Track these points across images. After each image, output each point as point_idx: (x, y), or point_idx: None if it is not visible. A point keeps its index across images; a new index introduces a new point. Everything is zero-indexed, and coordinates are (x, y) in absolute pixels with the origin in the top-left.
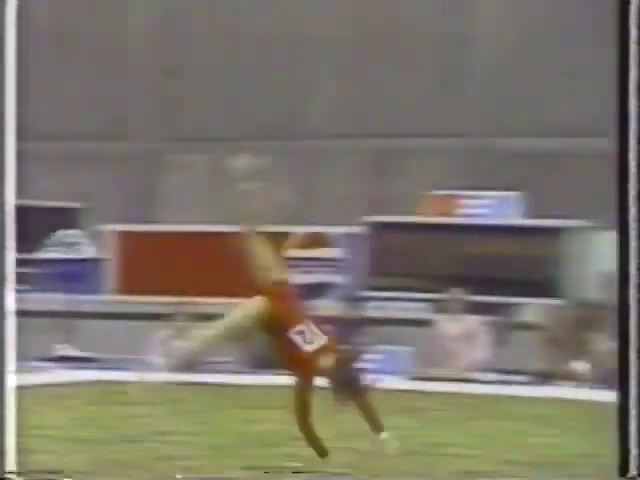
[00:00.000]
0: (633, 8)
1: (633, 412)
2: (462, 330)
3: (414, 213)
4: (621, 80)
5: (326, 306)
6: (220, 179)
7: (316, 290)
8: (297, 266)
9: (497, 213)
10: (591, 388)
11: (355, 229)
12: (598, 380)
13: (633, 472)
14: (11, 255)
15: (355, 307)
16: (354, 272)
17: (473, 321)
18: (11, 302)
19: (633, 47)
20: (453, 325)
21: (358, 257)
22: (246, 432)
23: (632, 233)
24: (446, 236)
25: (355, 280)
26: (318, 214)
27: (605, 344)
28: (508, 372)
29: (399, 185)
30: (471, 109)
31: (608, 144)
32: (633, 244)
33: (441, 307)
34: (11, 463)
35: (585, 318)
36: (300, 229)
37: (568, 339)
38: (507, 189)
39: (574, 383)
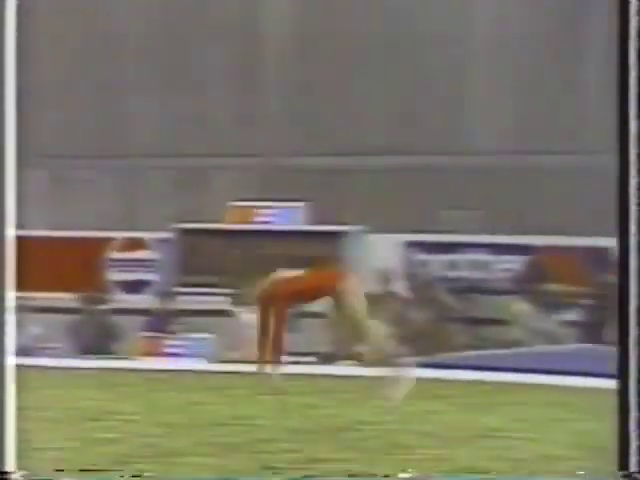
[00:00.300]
0: (633, 8)
1: (633, 410)
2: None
3: (218, 221)
4: (621, 82)
5: (143, 300)
6: (56, 191)
7: (135, 286)
8: (119, 266)
9: (286, 220)
10: (368, 366)
11: (168, 234)
12: (374, 359)
13: (633, 468)
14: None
15: (167, 301)
16: (167, 271)
17: None
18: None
19: (633, 52)
20: (250, 315)
21: (170, 258)
22: (72, 408)
23: (632, 231)
24: (244, 240)
25: (167, 278)
26: (137, 221)
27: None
28: (299, 354)
29: (206, 197)
30: (265, 130)
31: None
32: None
33: (240, 300)
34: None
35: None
36: (121, 234)
37: (349, 325)
38: (295, 200)
39: (354, 362)
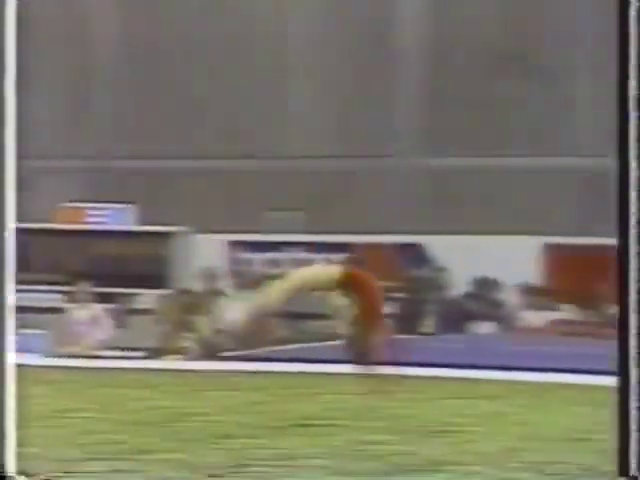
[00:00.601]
0: (633, 8)
1: (633, 412)
2: (89, 316)
3: (51, 221)
4: (621, 82)
5: None
6: None
7: None
8: None
9: (115, 221)
10: (194, 360)
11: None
12: (200, 353)
13: (634, 473)
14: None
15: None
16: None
17: (98, 308)
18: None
19: (633, 53)
20: (82, 312)
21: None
22: None
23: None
24: (76, 240)
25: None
26: None
27: (205, 324)
28: (127, 349)
29: (40, 197)
30: (95, 136)
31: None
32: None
33: (72, 297)
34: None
35: (188, 304)
36: None
37: (176, 321)
38: (124, 202)
39: (180, 356)
